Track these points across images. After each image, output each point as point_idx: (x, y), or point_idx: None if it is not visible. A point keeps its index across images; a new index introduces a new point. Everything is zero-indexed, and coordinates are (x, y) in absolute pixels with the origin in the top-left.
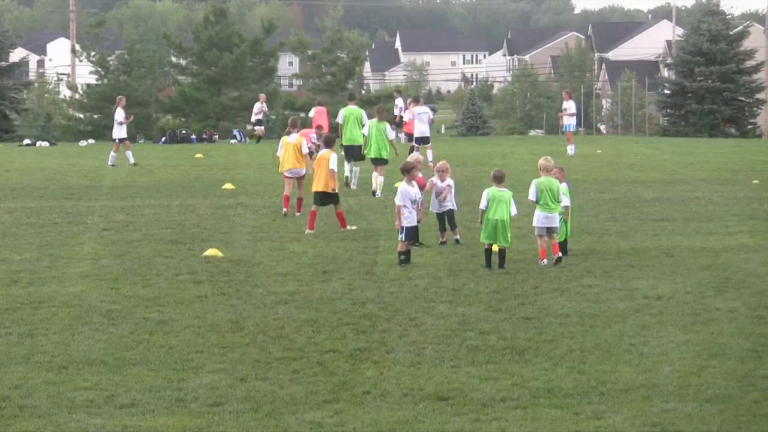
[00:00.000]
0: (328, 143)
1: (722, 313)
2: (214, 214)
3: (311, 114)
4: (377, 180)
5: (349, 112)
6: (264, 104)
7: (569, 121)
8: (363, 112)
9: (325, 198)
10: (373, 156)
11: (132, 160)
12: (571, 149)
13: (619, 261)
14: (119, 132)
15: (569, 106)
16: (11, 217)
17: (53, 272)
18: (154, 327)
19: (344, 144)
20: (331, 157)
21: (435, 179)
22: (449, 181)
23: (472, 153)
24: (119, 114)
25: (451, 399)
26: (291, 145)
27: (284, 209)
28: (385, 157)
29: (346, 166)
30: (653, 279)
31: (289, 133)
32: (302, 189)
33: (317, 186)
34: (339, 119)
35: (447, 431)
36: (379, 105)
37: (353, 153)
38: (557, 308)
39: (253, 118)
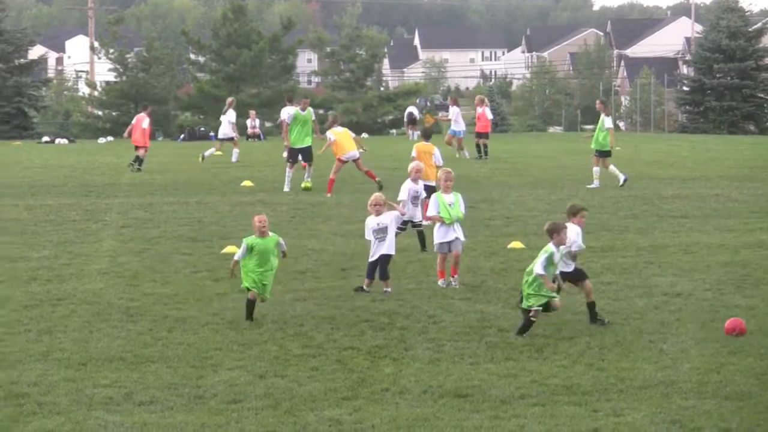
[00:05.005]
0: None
1: (741, 310)
2: (233, 212)
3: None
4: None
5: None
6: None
7: (457, 127)
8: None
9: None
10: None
11: (234, 158)
12: (465, 153)
13: (638, 258)
14: (227, 130)
15: (454, 112)
16: (30, 215)
17: (72, 269)
18: (172, 324)
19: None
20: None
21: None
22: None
23: (490, 149)
24: (231, 114)
25: (470, 396)
26: (341, 134)
27: (327, 193)
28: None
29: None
30: (672, 276)
31: (333, 126)
32: (364, 166)
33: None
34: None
35: (466, 428)
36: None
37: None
38: (576, 305)
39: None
